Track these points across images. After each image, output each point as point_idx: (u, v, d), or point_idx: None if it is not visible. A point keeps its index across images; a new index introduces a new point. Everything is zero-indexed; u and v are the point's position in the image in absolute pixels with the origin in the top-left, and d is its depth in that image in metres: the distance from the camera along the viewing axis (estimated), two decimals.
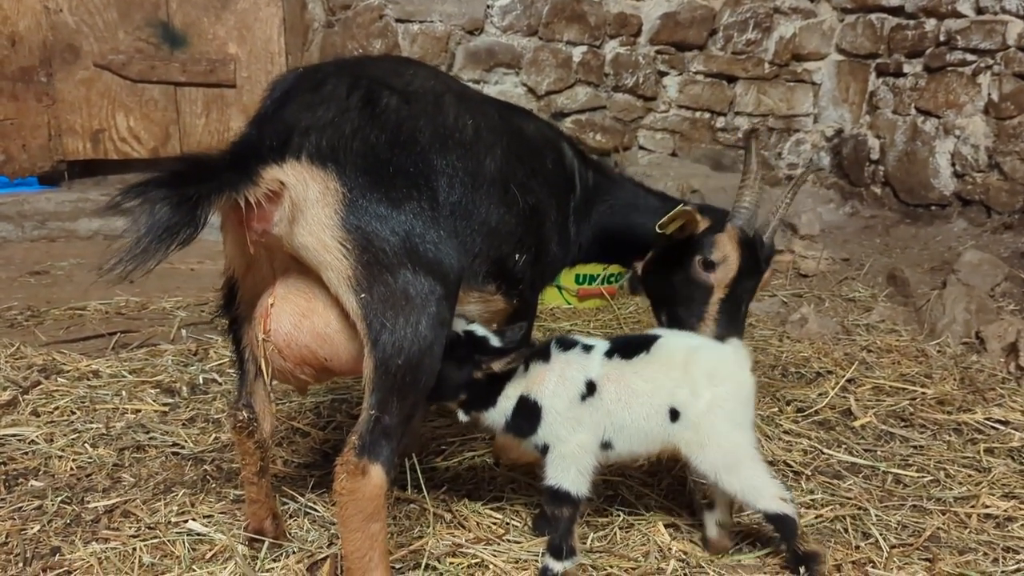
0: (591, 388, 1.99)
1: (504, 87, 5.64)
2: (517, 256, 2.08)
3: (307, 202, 1.66)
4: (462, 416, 2.06)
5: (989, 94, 5.14)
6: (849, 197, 6.14)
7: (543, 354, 2.04)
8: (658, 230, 2.31)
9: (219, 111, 5.46)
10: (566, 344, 2.07)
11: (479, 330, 1.99)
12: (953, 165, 5.36)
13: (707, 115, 6.13)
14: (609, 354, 2.04)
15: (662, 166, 5.90)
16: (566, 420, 1.98)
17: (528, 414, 2.01)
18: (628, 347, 2.04)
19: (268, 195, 1.62)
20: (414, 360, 1.70)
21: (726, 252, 2.39)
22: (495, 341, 2.00)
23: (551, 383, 2.00)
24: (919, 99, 5.58)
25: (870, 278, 4.91)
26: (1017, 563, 2.07)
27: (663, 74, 5.99)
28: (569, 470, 1.97)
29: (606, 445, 2.01)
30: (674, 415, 1.97)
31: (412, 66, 2.06)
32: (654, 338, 2.06)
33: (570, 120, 5.82)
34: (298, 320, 1.77)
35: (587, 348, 2.06)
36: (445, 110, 1.95)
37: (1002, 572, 2.02)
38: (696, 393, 1.96)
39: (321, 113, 1.74)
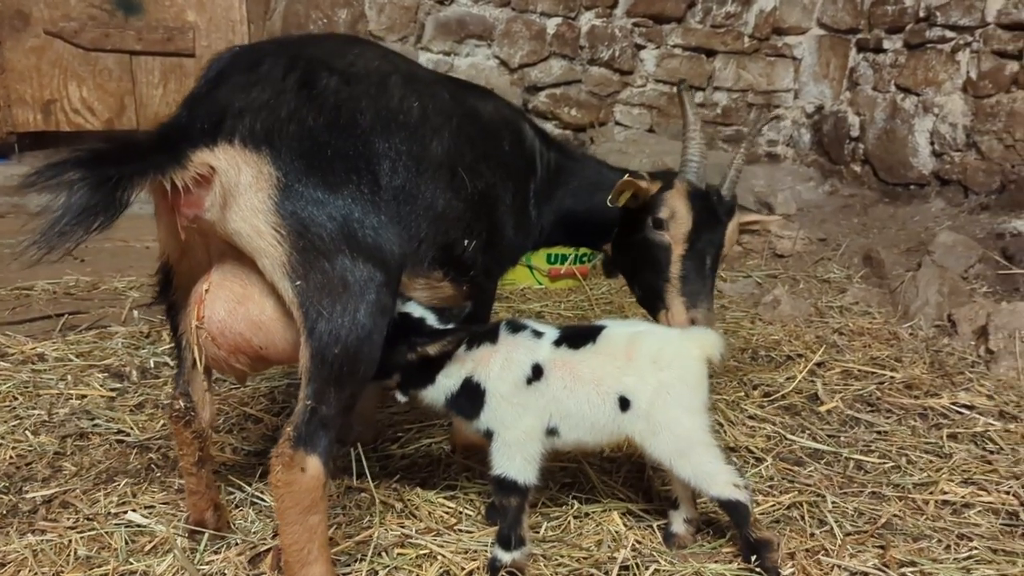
0: (537, 372, 1.99)
1: (476, 59, 5.58)
2: (466, 242, 2.08)
3: (239, 187, 1.64)
4: (400, 396, 2.06)
5: (968, 72, 5.15)
6: (829, 175, 6.16)
7: (491, 335, 2.04)
8: (609, 204, 2.34)
9: (177, 81, 5.36)
10: (516, 327, 2.06)
11: (416, 310, 1.98)
12: (932, 144, 5.39)
13: None
14: (558, 343, 2.03)
15: (638, 143, 5.88)
16: (511, 405, 1.99)
17: (472, 396, 2.01)
18: (576, 337, 2.04)
19: (197, 179, 1.60)
20: (352, 349, 1.70)
21: (674, 207, 2.41)
22: (432, 321, 1.98)
23: (496, 365, 2.00)
24: (899, 76, 5.59)
25: (846, 259, 4.95)
26: (969, 550, 2.10)
27: (640, 47, 5.95)
28: (515, 458, 1.98)
29: (551, 432, 2.01)
30: (624, 404, 1.97)
31: (358, 46, 2.04)
32: (600, 328, 2.06)
33: (544, 94, 5.78)
34: (233, 307, 1.75)
35: (537, 333, 2.05)
36: (390, 92, 1.92)
37: (954, 560, 2.05)
38: (643, 379, 1.96)
39: (256, 95, 1.72)
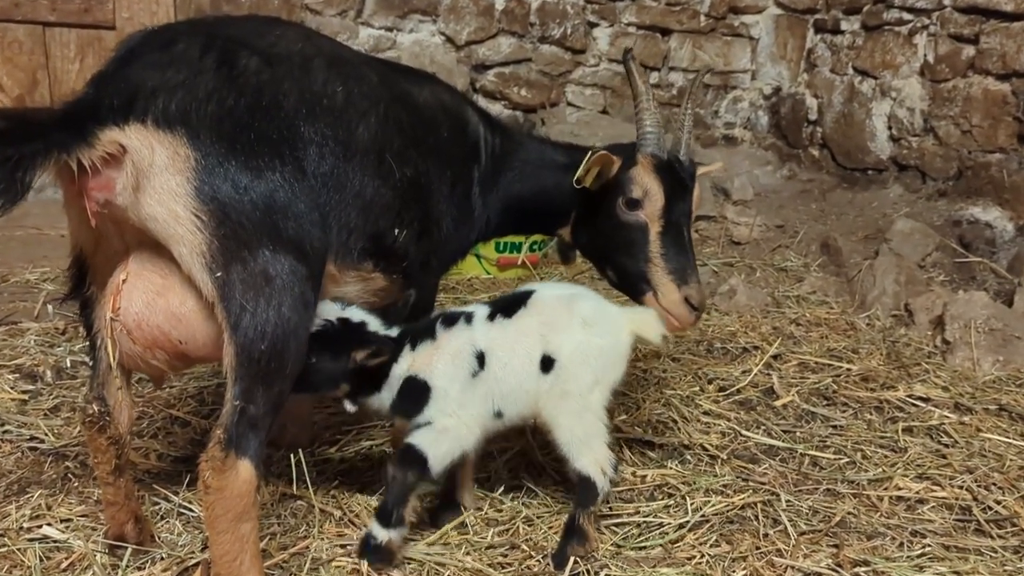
0: (481, 361, 2.05)
1: (420, 35, 5.52)
2: (396, 231, 2.08)
3: (153, 168, 1.62)
4: (349, 406, 2.07)
5: (925, 55, 5.29)
6: (787, 159, 6.27)
7: (430, 333, 2.09)
8: (576, 185, 2.30)
9: (96, 56, 5.18)
10: (449, 320, 2.11)
11: (356, 315, 2.00)
12: (889, 128, 5.52)
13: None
14: (491, 317, 2.09)
15: (591, 125, 5.90)
16: (456, 401, 2.03)
17: (416, 393, 2.05)
18: (507, 307, 2.11)
19: (106, 159, 1.58)
20: (279, 345, 1.69)
21: (646, 185, 2.37)
22: (376, 326, 2.02)
23: (441, 363, 2.04)
24: (856, 58, 5.71)
25: (804, 246, 5.05)
26: (923, 547, 2.17)
27: (593, 25, 5.96)
28: (442, 445, 2.02)
29: (498, 415, 2.08)
30: (547, 364, 2.05)
31: (279, 27, 2.02)
32: (530, 292, 2.14)
33: (493, 73, 5.75)
34: (151, 298, 1.73)
35: (468, 318, 2.10)
36: (313, 74, 1.91)
37: (907, 557, 2.12)
38: (569, 339, 2.06)
39: (171, 74, 1.69)
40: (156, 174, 1.62)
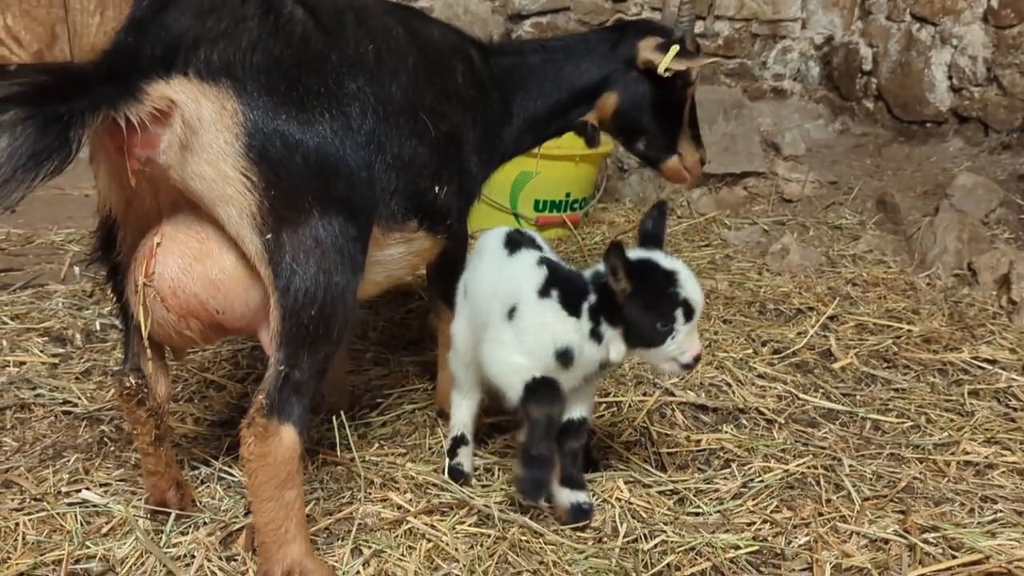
0: None
1: None
2: (437, 189, 2.07)
3: (202, 124, 1.58)
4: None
5: (988, 0, 5.12)
6: (840, 112, 6.14)
7: None
8: (665, 74, 2.58)
9: (116, 8, 5.18)
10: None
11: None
12: (950, 78, 5.37)
13: None
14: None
15: None
16: None
17: None
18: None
19: (154, 115, 1.53)
20: (328, 309, 1.68)
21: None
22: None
23: None
24: (914, 4, 5.55)
25: (859, 203, 4.96)
26: (994, 513, 2.14)
27: None
28: None
29: None
30: None
31: None
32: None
33: (529, 23, 5.67)
34: (188, 264, 1.70)
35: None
36: (347, 29, 1.88)
37: (977, 524, 2.09)
38: None
39: (212, 23, 1.64)
40: (204, 131, 1.59)
